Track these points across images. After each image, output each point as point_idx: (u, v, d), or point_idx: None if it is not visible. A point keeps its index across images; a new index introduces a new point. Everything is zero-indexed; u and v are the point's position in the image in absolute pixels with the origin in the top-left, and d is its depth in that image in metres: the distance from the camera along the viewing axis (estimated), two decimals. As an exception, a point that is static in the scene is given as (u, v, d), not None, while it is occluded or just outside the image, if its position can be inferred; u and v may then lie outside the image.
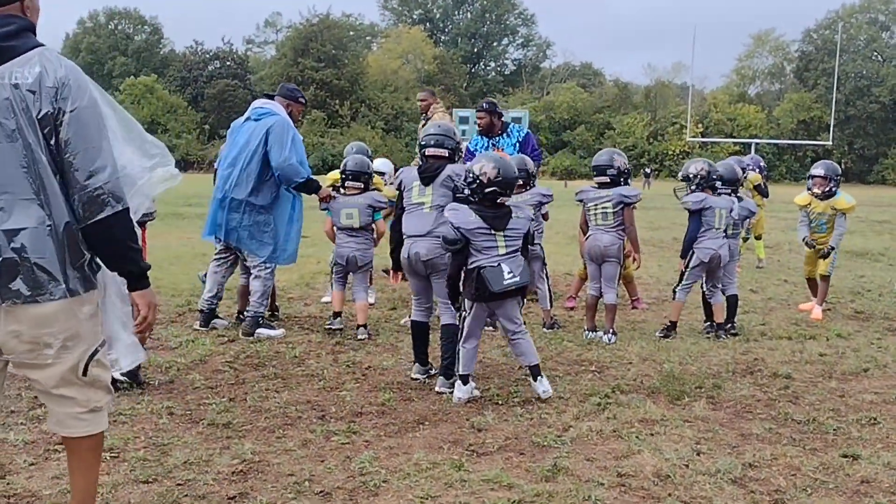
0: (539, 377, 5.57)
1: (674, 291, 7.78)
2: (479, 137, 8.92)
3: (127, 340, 3.42)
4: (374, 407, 5.34)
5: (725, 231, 7.57)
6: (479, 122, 8.76)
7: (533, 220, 6.12)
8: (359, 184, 7.62)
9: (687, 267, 7.61)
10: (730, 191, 7.79)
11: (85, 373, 3.07)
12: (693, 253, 7.56)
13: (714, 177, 7.63)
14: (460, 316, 5.76)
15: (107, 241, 3.02)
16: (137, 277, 3.14)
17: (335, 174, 8.75)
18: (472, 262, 5.48)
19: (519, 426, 5.00)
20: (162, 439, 4.65)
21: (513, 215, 5.54)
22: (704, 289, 7.76)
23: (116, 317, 3.34)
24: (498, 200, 5.50)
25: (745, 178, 12.03)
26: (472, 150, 8.76)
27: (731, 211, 7.60)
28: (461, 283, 5.63)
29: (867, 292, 10.24)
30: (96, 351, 3.11)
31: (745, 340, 7.42)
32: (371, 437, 4.77)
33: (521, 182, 7.65)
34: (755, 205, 8.11)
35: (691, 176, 7.62)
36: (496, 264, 5.43)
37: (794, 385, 6.00)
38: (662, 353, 6.86)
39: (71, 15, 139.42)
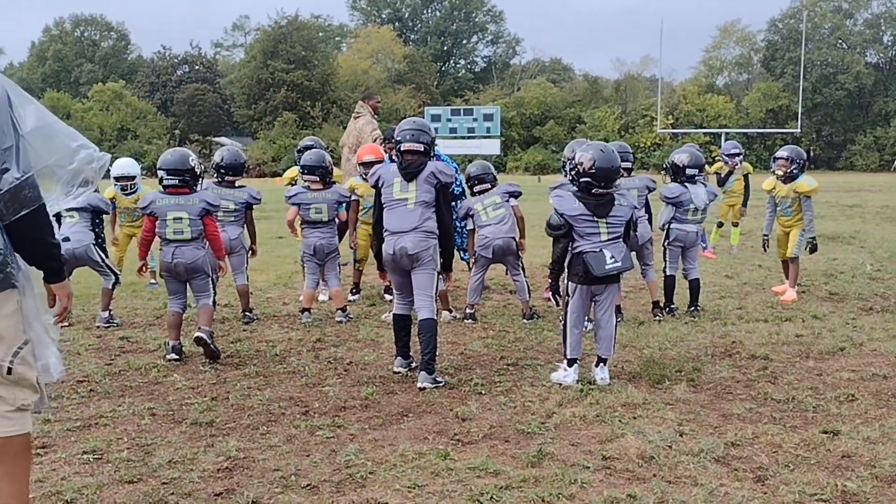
0: (602, 365, 5.72)
1: (664, 272, 8.00)
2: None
3: (54, 347, 3.40)
4: (357, 401, 5.35)
5: (646, 209, 7.93)
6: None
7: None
8: (314, 177, 7.86)
9: (665, 245, 8.01)
10: (701, 177, 8.03)
11: (9, 371, 3.04)
12: (670, 230, 7.94)
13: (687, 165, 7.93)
14: (563, 301, 5.86)
15: (27, 238, 3.03)
16: (57, 272, 3.21)
17: (293, 171, 9.05)
18: (576, 248, 5.67)
19: (503, 414, 5.02)
20: (145, 440, 4.63)
21: (615, 203, 5.68)
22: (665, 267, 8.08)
23: (41, 324, 3.30)
24: (592, 191, 5.61)
25: (740, 165, 12.13)
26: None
27: (648, 191, 7.95)
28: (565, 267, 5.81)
29: (840, 274, 10.36)
30: (19, 350, 3.07)
31: (722, 324, 7.49)
32: (356, 431, 4.78)
33: (488, 186, 7.96)
34: (716, 189, 8.29)
35: (671, 165, 8.05)
36: (598, 249, 5.58)
37: (772, 366, 6.07)
38: (642, 340, 6.91)
39: (36, 23, 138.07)
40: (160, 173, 6.62)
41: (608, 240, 5.63)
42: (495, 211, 7.81)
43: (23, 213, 2.94)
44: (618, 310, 7.60)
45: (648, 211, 7.96)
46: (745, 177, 12.32)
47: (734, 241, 12.73)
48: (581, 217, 5.64)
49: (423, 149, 5.88)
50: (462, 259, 9.09)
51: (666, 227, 7.98)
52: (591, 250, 5.59)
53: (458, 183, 8.47)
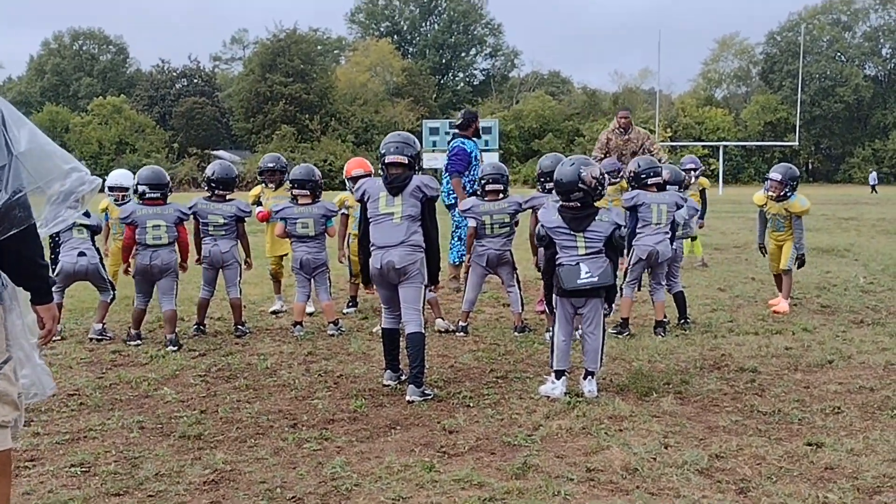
0: (589, 378, 5.72)
1: (620, 289, 7.89)
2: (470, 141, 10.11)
3: (43, 365, 3.42)
4: (345, 414, 5.37)
5: (673, 229, 7.82)
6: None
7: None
8: (305, 191, 7.93)
9: (628, 264, 7.86)
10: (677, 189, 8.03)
11: None
12: (633, 250, 7.80)
13: (646, 175, 7.83)
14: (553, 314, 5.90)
15: (16, 258, 3.06)
16: (43, 292, 3.22)
17: (257, 189, 9.12)
18: (556, 260, 5.71)
19: (490, 427, 5.05)
20: (133, 453, 4.65)
21: (596, 217, 5.68)
22: (649, 286, 8.02)
23: (27, 344, 3.32)
24: (570, 203, 5.66)
25: (696, 180, 12.22)
26: (469, 151, 10.01)
27: (676, 207, 7.82)
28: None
29: (833, 287, 10.39)
30: (1, 366, 3.10)
31: (712, 337, 7.52)
32: (343, 443, 4.80)
33: (500, 188, 7.85)
34: (696, 203, 8.28)
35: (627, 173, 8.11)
36: (574, 263, 5.61)
37: (760, 378, 6.09)
38: (632, 352, 6.93)
39: (35, 37, 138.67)
40: (141, 188, 7.56)
41: (586, 254, 5.64)
42: (501, 229, 7.81)
43: (12, 232, 2.97)
44: (625, 323, 7.66)
45: (673, 229, 7.89)
46: (702, 192, 12.40)
47: (697, 252, 12.63)
48: (559, 230, 5.68)
49: (407, 161, 5.89)
50: (450, 263, 9.25)
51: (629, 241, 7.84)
52: (566, 263, 5.63)
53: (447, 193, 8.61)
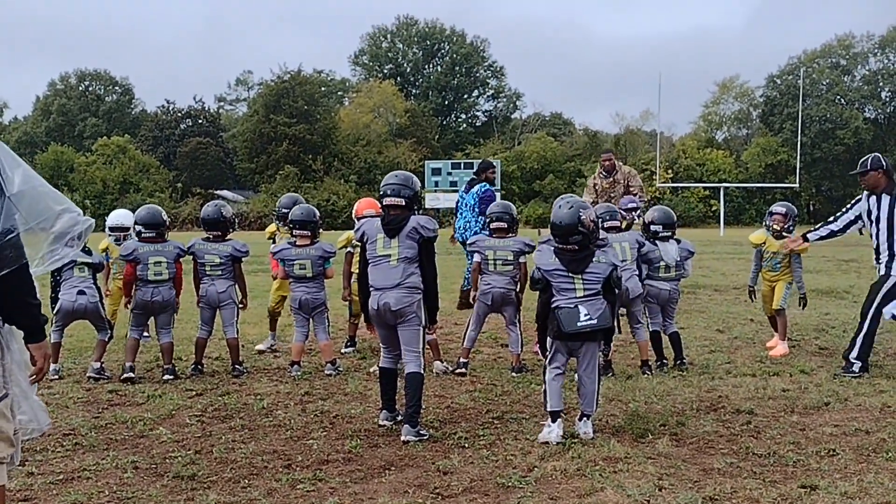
0: (585, 419, 5.72)
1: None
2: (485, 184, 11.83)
3: (38, 401, 3.45)
4: (340, 454, 5.37)
5: (640, 266, 7.94)
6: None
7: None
8: (306, 232, 7.93)
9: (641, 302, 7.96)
10: (669, 234, 8.01)
11: None
12: (644, 286, 7.91)
13: (605, 218, 7.84)
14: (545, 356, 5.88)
15: (8, 296, 3.10)
16: (36, 331, 3.25)
17: (272, 227, 9.24)
18: (553, 303, 5.68)
19: (484, 468, 5.04)
20: (126, 493, 4.65)
21: (594, 259, 5.69)
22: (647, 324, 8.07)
23: (22, 379, 3.35)
24: (568, 246, 5.68)
25: (639, 218, 12.21)
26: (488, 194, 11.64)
27: (638, 245, 7.91)
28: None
29: (832, 329, 10.38)
30: None
31: (710, 378, 7.51)
32: (336, 485, 4.80)
33: (504, 226, 7.91)
34: (692, 245, 8.28)
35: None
36: (573, 306, 5.58)
37: (756, 420, 6.08)
38: (629, 393, 6.92)
39: (41, 77, 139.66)
40: (138, 227, 7.86)
41: (584, 296, 5.64)
42: (504, 266, 7.84)
43: (4, 272, 3.01)
44: (608, 365, 7.66)
45: (639, 268, 8.00)
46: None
47: None
48: (556, 272, 5.69)
49: (405, 203, 5.91)
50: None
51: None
52: (565, 306, 5.62)
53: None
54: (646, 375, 7.60)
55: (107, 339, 7.84)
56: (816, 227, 8.44)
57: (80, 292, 7.63)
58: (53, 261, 3.37)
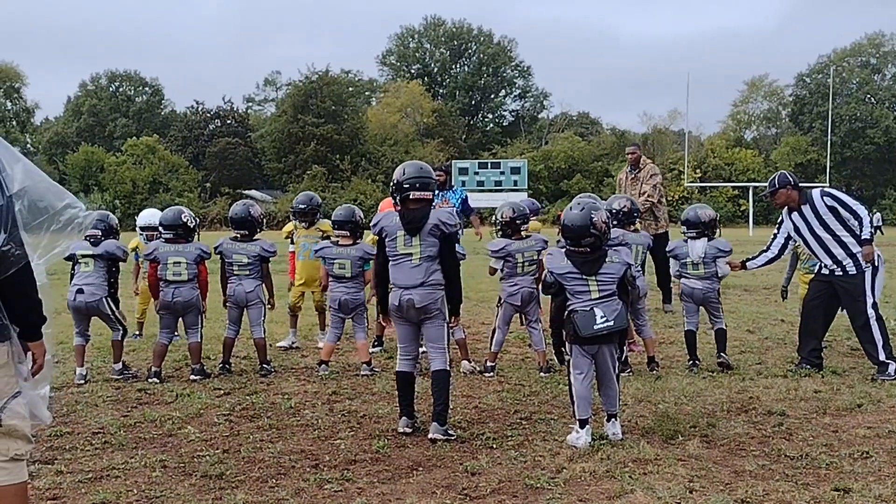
0: (613, 420, 5.65)
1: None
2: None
3: (41, 394, 3.46)
4: (368, 454, 5.35)
5: (643, 266, 8.12)
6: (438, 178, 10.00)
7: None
8: (345, 232, 7.97)
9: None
10: (695, 233, 7.94)
11: None
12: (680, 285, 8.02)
13: (635, 214, 8.12)
14: (567, 361, 5.80)
15: (12, 294, 3.11)
16: (36, 328, 3.26)
17: (290, 226, 9.20)
18: (568, 306, 5.62)
19: (513, 469, 5.01)
20: (154, 492, 4.66)
21: (607, 259, 5.63)
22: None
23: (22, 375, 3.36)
24: (581, 248, 5.61)
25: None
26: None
27: (648, 246, 8.16)
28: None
29: (864, 330, 10.22)
30: (10, 401, 3.14)
31: (740, 379, 7.43)
32: (364, 485, 4.78)
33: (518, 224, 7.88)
34: (727, 243, 8.18)
35: (613, 212, 7.94)
36: (588, 308, 5.51)
37: (787, 422, 6.00)
38: (658, 394, 6.86)
39: (73, 78, 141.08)
40: (161, 228, 7.94)
41: (599, 298, 5.56)
42: (530, 266, 7.82)
43: (11, 271, 3.03)
44: (625, 362, 7.61)
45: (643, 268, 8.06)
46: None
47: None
48: (569, 275, 5.60)
49: (430, 197, 5.86)
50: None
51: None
52: (581, 309, 5.53)
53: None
54: (654, 372, 7.64)
55: (120, 339, 7.77)
56: (755, 255, 8.27)
57: (80, 290, 7.53)
58: (54, 254, 3.40)
